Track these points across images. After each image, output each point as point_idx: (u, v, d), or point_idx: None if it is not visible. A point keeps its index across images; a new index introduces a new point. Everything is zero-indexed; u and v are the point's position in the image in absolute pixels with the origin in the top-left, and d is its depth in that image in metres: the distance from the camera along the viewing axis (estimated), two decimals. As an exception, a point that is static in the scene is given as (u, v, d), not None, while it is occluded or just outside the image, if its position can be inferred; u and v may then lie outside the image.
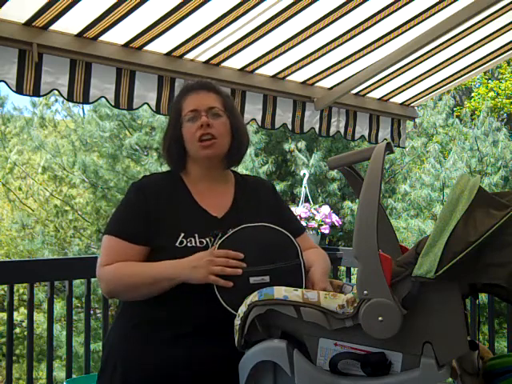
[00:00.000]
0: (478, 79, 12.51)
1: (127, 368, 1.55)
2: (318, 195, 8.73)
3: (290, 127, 3.38)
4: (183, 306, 1.53)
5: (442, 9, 2.78)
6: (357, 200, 1.36)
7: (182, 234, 1.55)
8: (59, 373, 8.06)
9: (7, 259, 11.26)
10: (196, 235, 1.56)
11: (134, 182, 1.67)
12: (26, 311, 4.47)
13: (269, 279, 1.47)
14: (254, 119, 3.22)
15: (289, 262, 1.51)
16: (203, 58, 2.86)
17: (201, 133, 1.60)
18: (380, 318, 1.18)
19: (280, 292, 1.30)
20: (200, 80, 1.73)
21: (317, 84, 3.38)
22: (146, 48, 2.66)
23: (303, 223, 3.54)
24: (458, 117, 10.79)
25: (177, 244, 1.54)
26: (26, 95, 2.42)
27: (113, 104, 2.68)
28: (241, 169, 8.28)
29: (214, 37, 2.65)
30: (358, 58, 3.16)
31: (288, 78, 3.24)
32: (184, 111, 1.64)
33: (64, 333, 7.38)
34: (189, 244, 1.55)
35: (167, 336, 1.54)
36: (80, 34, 2.45)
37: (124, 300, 1.66)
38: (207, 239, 1.57)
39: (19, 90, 2.38)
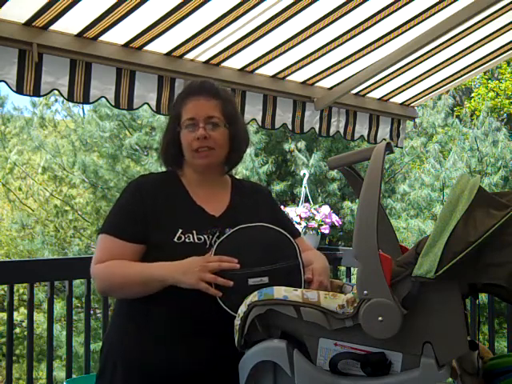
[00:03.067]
0: (477, 79, 12.51)
1: (127, 368, 1.55)
2: (317, 195, 8.73)
3: (290, 127, 3.38)
4: (182, 306, 1.53)
5: (442, 9, 2.78)
6: (357, 200, 1.36)
7: (180, 230, 1.55)
8: (59, 373, 8.06)
9: (7, 259, 11.25)
10: (194, 231, 1.57)
11: (131, 181, 1.68)
12: (26, 311, 4.48)
13: (267, 280, 1.47)
14: (254, 119, 3.22)
15: (288, 263, 1.51)
16: (203, 58, 2.86)
17: (198, 145, 1.60)
18: (380, 318, 1.18)
19: (280, 292, 1.30)
20: (202, 82, 1.71)
21: (317, 84, 3.38)
22: (146, 48, 2.66)
23: (303, 223, 3.54)
24: (457, 117, 10.79)
25: (175, 239, 1.54)
26: (26, 95, 2.42)
27: (113, 104, 2.67)
28: (241, 169, 8.28)
29: (214, 37, 2.65)
30: (358, 58, 3.16)
31: (288, 78, 3.24)
32: (183, 117, 1.63)
33: (64, 333, 7.38)
34: (187, 240, 1.55)
35: (166, 335, 1.54)
36: (80, 34, 2.45)
37: (118, 298, 1.66)
38: (205, 236, 1.57)
39: (19, 90, 2.38)
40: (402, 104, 3.88)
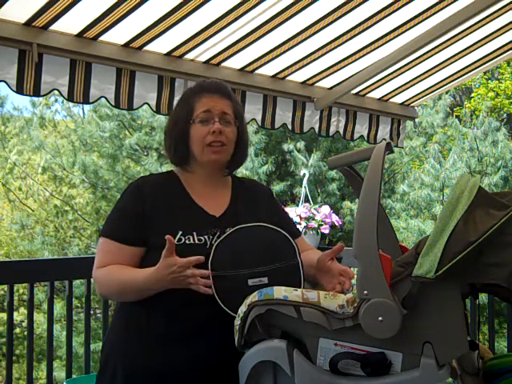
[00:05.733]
0: (477, 79, 12.50)
1: (128, 369, 1.55)
2: (317, 195, 8.73)
3: (289, 127, 3.38)
4: (182, 307, 1.53)
5: (441, 9, 2.78)
6: (356, 200, 1.36)
7: (180, 232, 1.55)
8: (59, 373, 8.06)
9: (7, 259, 11.25)
10: (194, 233, 1.56)
11: (131, 183, 1.67)
12: (25, 311, 4.48)
13: (267, 280, 1.47)
14: (254, 119, 3.22)
15: (286, 262, 1.51)
16: (203, 58, 2.86)
17: (212, 139, 1.60)
18: (380, 318, 1.18)
19: (280, 292, 1.30)
20: (216, 81, 1.72)
21: (317, 84, 3.38)
22: (146, 48, 2.66)
23: (303, 223, 3.54)
24: (457, 117, 10.79)
25: (175, 241, 1.54)
26: (26, 95, 2.42)
27: (113, 104, 2.67)
28: (241, 169, 8.26)
29: (214, 37, 2.65)
30: (358, 58, 3.16)
31: (288, 78, 3.24)
32: (196, 111, 1.63)
33: (64, 333, 7.37)
34: (187, 241, 1.55)
35: (166, 337, 1.54)
36: (80, 34, 2.45)
37: (117, 301, 1.67)
38: (205, 237, 1.57)
39: (19, 89, 2.38)
40: (401, 104, 3.88)
